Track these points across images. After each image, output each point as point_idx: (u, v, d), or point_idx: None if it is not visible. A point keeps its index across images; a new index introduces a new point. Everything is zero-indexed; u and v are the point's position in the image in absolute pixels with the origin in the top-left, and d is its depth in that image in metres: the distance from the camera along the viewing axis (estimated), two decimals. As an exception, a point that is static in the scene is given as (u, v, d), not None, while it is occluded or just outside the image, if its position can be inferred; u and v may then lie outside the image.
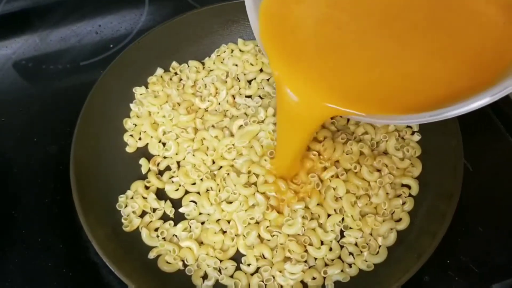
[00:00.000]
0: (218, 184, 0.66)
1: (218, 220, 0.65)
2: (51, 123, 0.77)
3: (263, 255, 0.62)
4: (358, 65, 0.47)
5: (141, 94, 0.75)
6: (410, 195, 0.65)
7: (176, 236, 0.64)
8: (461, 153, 0.62)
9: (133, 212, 0.65)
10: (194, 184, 0.68)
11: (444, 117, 0.41)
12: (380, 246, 0.61)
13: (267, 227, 0.63)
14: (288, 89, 0.49)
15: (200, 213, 0.66)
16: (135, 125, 0.73)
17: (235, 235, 0.63)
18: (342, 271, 0.60)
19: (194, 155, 0.69)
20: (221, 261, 0.62)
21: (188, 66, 0.78)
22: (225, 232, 0.64)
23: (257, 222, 0.63)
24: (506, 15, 0.46)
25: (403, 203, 0.64)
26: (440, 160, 0.64)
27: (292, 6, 0.51)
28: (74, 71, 0.85)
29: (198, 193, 0.67)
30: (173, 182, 0.68)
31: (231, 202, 0.64)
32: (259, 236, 0.63)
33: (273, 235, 0.62)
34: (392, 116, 0.45)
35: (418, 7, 0.49)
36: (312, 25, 0.50)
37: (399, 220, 0.63)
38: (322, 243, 0.62)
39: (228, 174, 0.66)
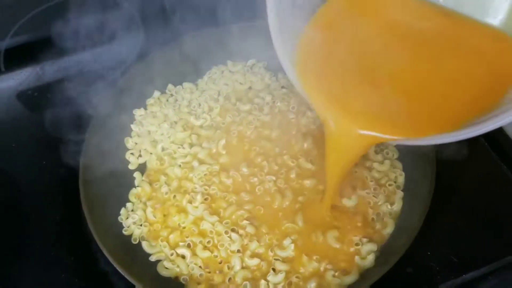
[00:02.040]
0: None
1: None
2: (58, 147, 0.82)
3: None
4: (389, 95, 0.54)
5: (140, 115, 0.81)
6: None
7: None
8: (434, 155, 0.68)
9: (133, 223, 0.71)
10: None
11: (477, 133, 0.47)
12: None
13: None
14: (334, 126, 0.55)
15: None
16: (136, 143, 0.79)
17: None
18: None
19: (180, 167, 0.75)
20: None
21: (183, 88, 0.85)
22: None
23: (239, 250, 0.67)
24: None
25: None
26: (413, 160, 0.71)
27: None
28: (78, 98, 0.90)
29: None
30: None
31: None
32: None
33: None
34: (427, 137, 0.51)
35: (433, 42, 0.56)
36: (344, 63, 0.57)
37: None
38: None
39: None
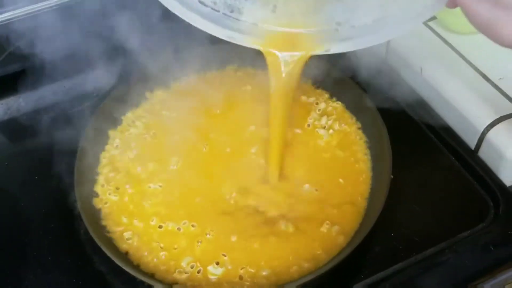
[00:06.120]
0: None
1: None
2: (50, 162, 0.87)
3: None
4: None
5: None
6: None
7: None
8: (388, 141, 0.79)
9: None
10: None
11: None
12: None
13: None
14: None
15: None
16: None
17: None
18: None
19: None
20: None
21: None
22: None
23: None
24: None
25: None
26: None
27: None
28: (65, 119, 0.95)
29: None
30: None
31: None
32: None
33: None
34: None
35: None
36: None
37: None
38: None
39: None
